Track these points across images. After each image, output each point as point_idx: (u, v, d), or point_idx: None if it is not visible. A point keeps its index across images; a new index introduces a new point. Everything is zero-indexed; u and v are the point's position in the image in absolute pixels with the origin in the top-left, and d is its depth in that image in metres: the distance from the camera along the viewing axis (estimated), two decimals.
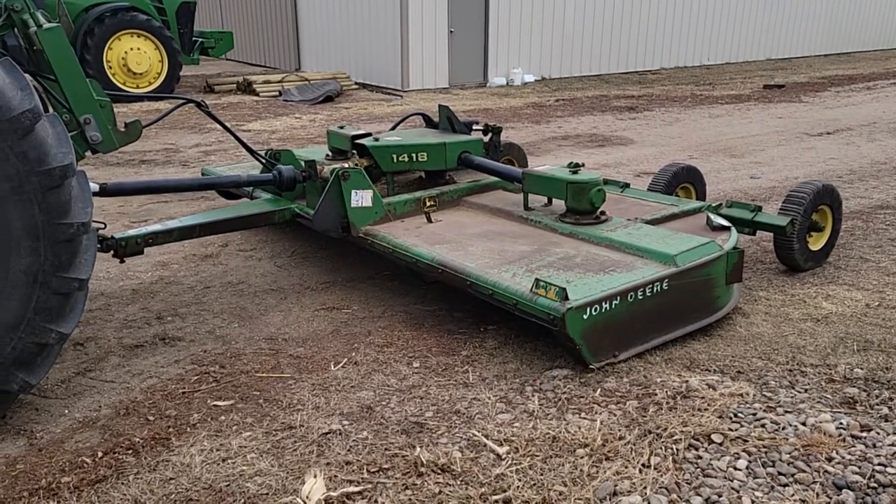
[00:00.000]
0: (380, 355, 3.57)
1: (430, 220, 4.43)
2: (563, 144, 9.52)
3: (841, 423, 2.59)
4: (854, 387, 2.96)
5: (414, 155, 4.76)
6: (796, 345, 3.46)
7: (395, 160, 4.74)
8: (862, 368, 3.14)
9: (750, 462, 2.42)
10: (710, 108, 12.50)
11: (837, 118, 11.19)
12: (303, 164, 4.54)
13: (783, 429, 2.60)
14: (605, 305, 3.18)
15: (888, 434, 2.53)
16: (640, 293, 3.30)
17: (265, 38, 20.05)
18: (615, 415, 2.83)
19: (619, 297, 3.23)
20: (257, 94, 14.16)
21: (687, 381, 3.04)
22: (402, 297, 4.34)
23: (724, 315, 3.77)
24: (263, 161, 4.71)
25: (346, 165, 4.37)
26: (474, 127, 5.82)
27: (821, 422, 2.61)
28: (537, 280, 3.22)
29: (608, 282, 3.31)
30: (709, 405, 2.82)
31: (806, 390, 2.96)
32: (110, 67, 13.07)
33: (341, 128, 6.30)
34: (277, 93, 14.12)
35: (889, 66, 19.35)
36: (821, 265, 4.62)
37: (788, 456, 2.42)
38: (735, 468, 2.38)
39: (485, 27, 15.85)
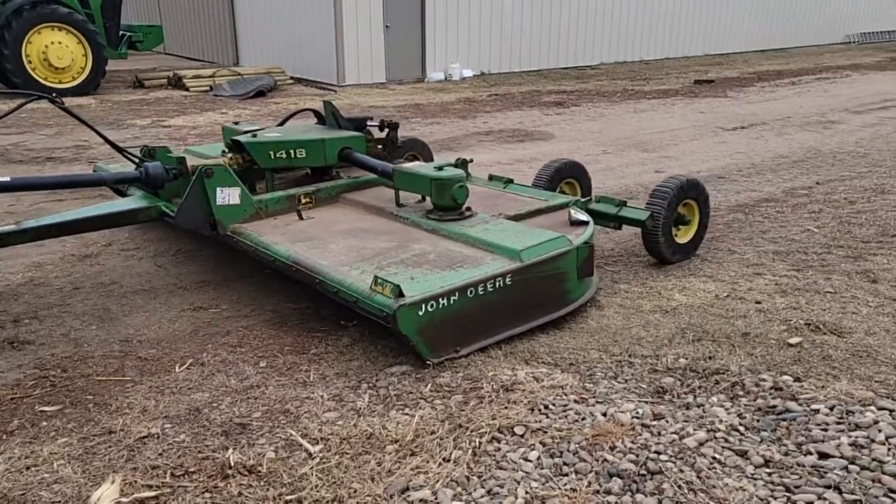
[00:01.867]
0: (230, 356, 3.55)
1: (301, 218, 4.41)
2: (485, 140, 9.56)
3: (637, 413, 2.65)
4: (671, 376, 3.03)
5: (292, 151, 4.73)
6: (637, 336, 3.53)
7: (272, 157, 4.70)
8: (686, 358, 3.21)
9: (541, 453, 2.45)
10: (636, 103, 12.67)
11: (756, 113, 11.44)
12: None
13: (583, 419, 2.65)
14: (443, 301, 3.20)
15: (676, 422, 2.59)
16: (480, 288, 3.33)
17: (202, 33, 19.73)
18: (436, 410, 2.85)
19: (457, 293, 3.25)
20: (187, 90, 13.94)
21: (515, 375, 3.07)
22: (274, 296, 4.32)
23: (579, 307, 3.83)
24: (132, 158, 4.63)
25: (211, 163, 4.32)
26: (368, 123, 5.82)
27: (620, 411, 2.66)
28: (376, 277, 3.23)
29: (450, 278, 3.34)
30: (526, 398, 2.86)
31: (626, 381, 3.02)
32: (30, 62, 12.73)
33: (236, 123, 6.23)
34: (209, 88, 13.92)
35: (820, 61, 19.84)
36: (689, 258, 4.72)
37: (576, 446, 2.46)
38: (526, 459, 2.42)
39: (421, 22, 15.82)
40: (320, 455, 2.61)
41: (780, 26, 23.44)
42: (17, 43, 12.44)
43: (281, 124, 5.73)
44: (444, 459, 2.50)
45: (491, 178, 5.24)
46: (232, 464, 2.58)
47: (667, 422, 2.59)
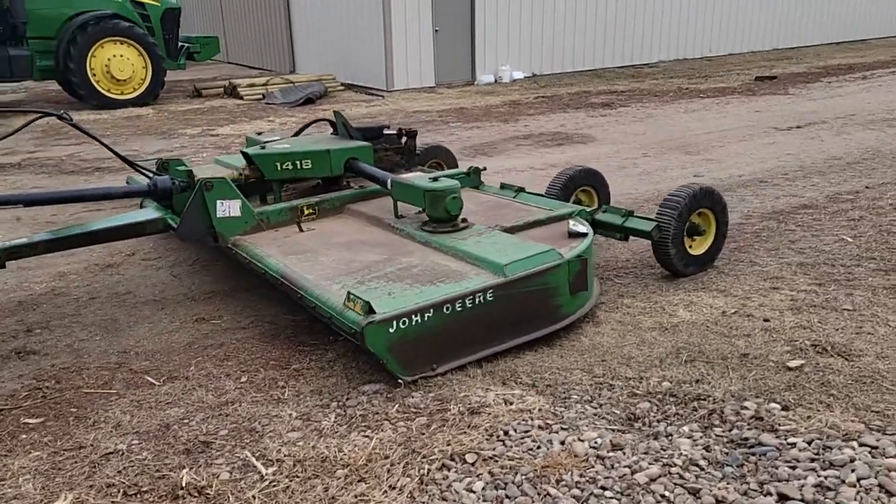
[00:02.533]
0: (215, 369, 3.57)
1: (301, 230, 4.41)
2: (523, 144, 9.41)
3: (595, 443, 2.51)
4: (649, 401, 2.87)
5: (298, 162, 4.74)
6: (627, 356, 3.37)
7: (279, 168, 4.73)
8: (671, 381, 3.04)
9: (487, 484, 2.35)
10: (689, 102, 12.26)
11: (816, 111, 10.89)
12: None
13: (538, 448, 2.53)
14: (416, 318, 3.13)
15: (633, 454, 2.44)
16: (458, 305, 3.24)
17: (262, 42, 20.20)
18: (397, 432, 2.79)
19: (432, 310, 3.17)
20: (241, 98, 14.28)
21: (486, 397, 2.97)
22: (275, 307, 4.34)
23: (575, 322, 3.69)
24: (144, 172, 4.74)
25: (212, 175, 4.37)
26: (385, 131, 5.79)
27: (580, 439, 2.52)
28: (349, 293, 3.19)
29: (428, 293, 3.26)
30: (489, 422, 2.76)
31: (601, 405, 2.88)
32: (94, 75, 13.27)
33: (259, 134, 6.32)
34: (261, 96, 14.22)
35: None
36: (705, 270, 4.49)
37: (523, 478, 2.35)
38: (470, 490, 2.32)
39: (471, 24, 15.75)
40: (271, 478, 2.58)
41: (858, 15, 22.29)
42: (82, 57, 13.00)
43: (296, 134, 5.76)
44: (389, 487, 2.43)
45: (503, 186, 5.13)
46: (184, 485, 2.58)
47: (623, 453, 2.44)
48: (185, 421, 3.07)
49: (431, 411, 2.93)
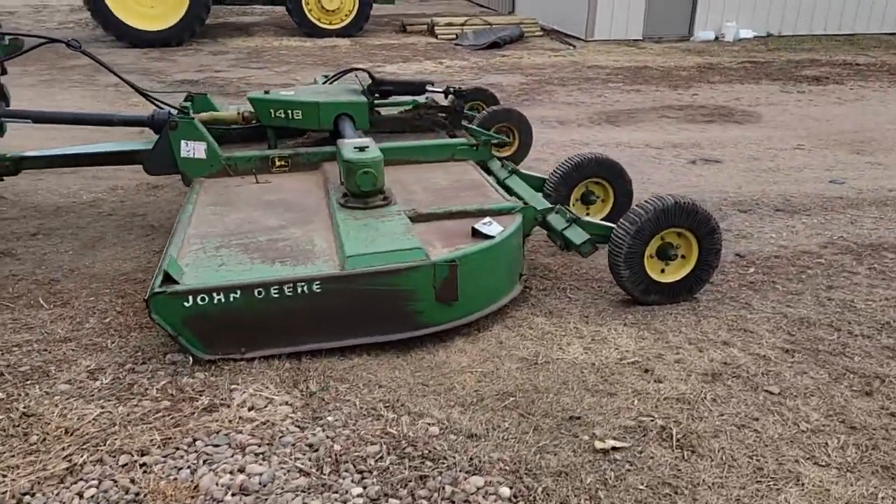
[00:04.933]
0: (99, 304, 3.72)
1: (256, 181, 4.38)
2: (667, 116, 8.36)
3: (229, 482, 2.20)
4: (379, 445, 2.45)
5: (289, 112, 4.67)
6: (450, 387, 2.91)
7: (272, 115, 4.70)
8: (441, 429, 2.57)
9: (89, 499, 2.19)
10: None
11: None
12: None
13: (179, 471, 2.28)
14: (219, 297, 2.97)
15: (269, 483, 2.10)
16: (274, 291, 3.01)
17: None
18: (130, 411, 2.71)
19: (239, 291, 2.99)
20: (437, 37, 14.38)
21: (242, 396, 2.76)
22: None
23: (441, 331, 3.28)
24: (157, 103, 4.97)
25: (179, 114, 4.44)
26: (428, 88, 5.48)
27: (211, 471, 2.23)
28: (172, 261, 3.10)
29: (254, 272, 3.07)
30: (206, 427, 2.56)
31: (344, 436, 2.52)
32: (307, 3, 14.14)
33: (326, 76, 6.29)
34: (454, 36, 14.19)
35: None
36: (678, 301, 3.68)
37: (123, 498, 2.15)
38: (80, 496, 2.19)
39: None
40: None
41: None
42: None
43: (330, 81, 5.64)
44: (66, 459, 2.38)
45: (502, 164, 4.61)
46: None
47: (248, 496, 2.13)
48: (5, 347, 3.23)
49: (183, 398, 2.80)
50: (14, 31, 4.70)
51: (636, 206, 3.58)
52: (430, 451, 2.44)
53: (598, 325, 3.45)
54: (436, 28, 14.47)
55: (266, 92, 4.85)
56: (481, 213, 3.71)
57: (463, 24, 14.47)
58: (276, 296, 3.02)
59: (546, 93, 9.45)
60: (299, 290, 3.04)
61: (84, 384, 2.92)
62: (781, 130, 7.72)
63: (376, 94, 5.46)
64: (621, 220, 3.58)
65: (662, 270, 3.68)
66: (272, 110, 4.66)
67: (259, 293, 3.01)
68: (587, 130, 7.65)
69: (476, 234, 3.44)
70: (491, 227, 3.50)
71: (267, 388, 2.85)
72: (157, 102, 4.98)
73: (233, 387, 2.86)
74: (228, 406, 2.70)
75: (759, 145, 7.12)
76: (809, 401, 2.77)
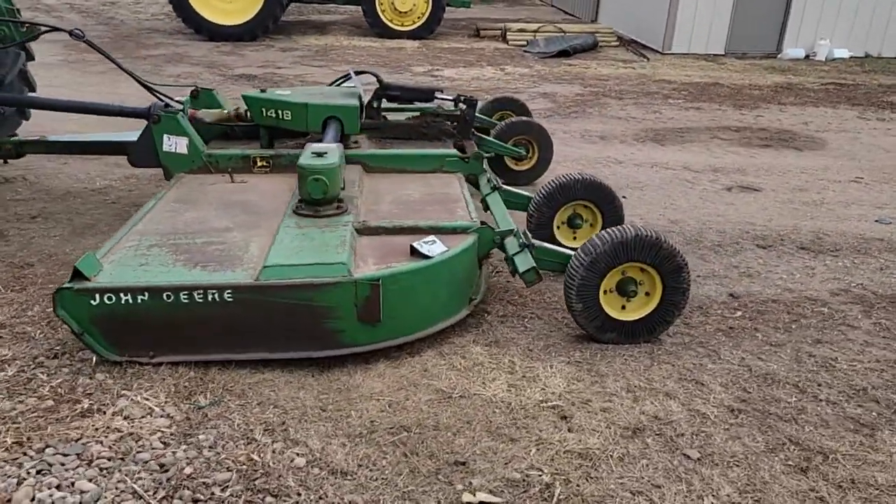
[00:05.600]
0: None
1: (232, 180, 4.33)
2: (720, 137, 7.85)
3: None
4: (230, 472, 2.31)
5: (280, 112, 4.60)
6: (348, 413, 2.74)
7: (264, 114, 4.65)
8: (306, 460, 2.39)
9: None
10: None
11: None
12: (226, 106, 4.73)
13: (9, 478, 2.20)
14: (127, 298, 2.91)
15: None
16: (184, 296, 2.92)
17: None
18: (19, 407, 2.67)
19: (147, 294, 2.91)
20: (507, 43, 14.16)
21: (128, 403, 2.68)
22: None
23: (366, 351, 3.11)
24: (160, 97, 5.01)
25: (164, 109, 4.44)
26: (438, 95, 5.32)
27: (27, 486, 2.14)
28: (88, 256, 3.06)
29: (165, 275, 3.00)
30: (76, 434, 2.49)
31: (204, 446, 2.40)
32: (381, 4, 14.21)
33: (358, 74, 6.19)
34: (525, 42, 13.93)
35: None
36: (636, 342, 3.36)
37: None
38: None
39: None
40: None
41: None
42: None
43: (332, 84, 5.54)
44: None
45: (488, 179, 4.38)
46: None
47: None
48: None
49: (71, 399, 2.74)
50: (29, 20, 4.81)
51: (595, 235, 3.29)
52: (280, 486, 2.28)
53: (537, 360, 3.19)
54: (507, 34, 14.23)
55: (262, 91, 4.80)
56: (433, 231, 3.51)
57: (535, 31, 14.17)
58: (185, 301, 2.93)
59: (599, 105, 9.08)
60: (210, 297, 2.94)
61: None
62: (843, 160, 7.09)
63: (383, 99, 5.38)
64: (578, 249, 3.30)
65: (623, 307, 3.37)
66: (264, 109, 4.61)
67: (168, 297, 2.92)
68: (627, 148, 7.27)
69: (414, 252, 3.24)
70: (433, 246, 3.29)
71: (157, 397, 2.76)
72: (158, 95, 5.02)
73: (124, 392, 2.79)
74: (104, 413, 2.62)
75: (811, 175, 6.55)
76: (729, 472, 2.43)
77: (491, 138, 5.70)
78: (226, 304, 2.95)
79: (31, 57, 5.52)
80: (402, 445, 2.56)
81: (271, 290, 2.96)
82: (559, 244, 4.10)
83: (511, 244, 3.46)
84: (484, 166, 4.58)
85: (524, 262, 3.29)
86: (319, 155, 3.66)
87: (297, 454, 2.45)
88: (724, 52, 13.54)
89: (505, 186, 4.33)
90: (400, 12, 14.20)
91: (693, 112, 8.94)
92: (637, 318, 3.35)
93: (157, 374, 2.93)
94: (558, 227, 4.23)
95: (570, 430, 2.66)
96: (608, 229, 3.28)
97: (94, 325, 2.95)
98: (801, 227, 5.21)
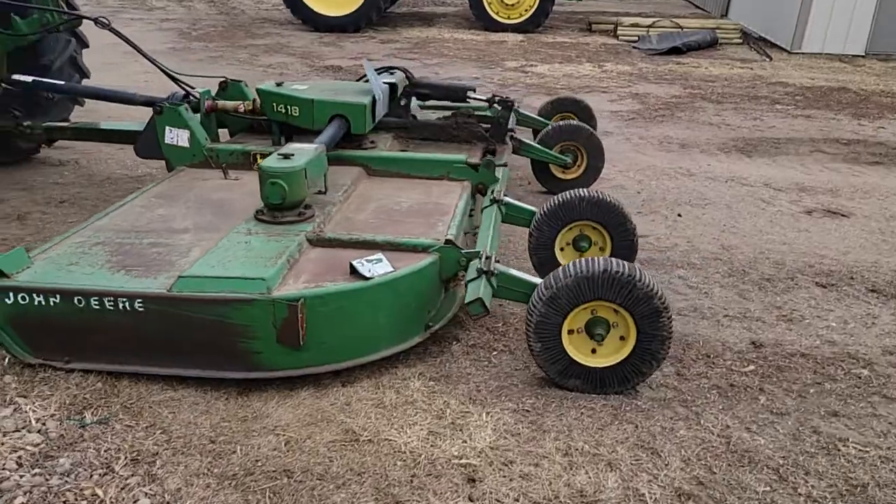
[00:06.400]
0: None
1: (225, 177, 4.17)
2: (829, 152, 6.92)
3: None
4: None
5: (289, 107, 4.41)
6: (222, 449, 2.46)
7: (274, 109, 4.48)
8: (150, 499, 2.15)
9: None
10: None
11: None
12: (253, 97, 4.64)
13: None
14: (41, 299, 2.79)
15: None
16: (94, 302, 2.77)
17: None
18: None
19: (59, 297, 2.78)
20: (618, 38, 13.40)
21: (13, 411, 2.55)
22: None
23: (284, 377, 2.84)
24: (184, 87, 4.96)
25: (167, 102, 4.34)
26: (470, 95, 4.97)
27: None
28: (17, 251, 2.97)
29: (85, 278, 2.86)
30: None
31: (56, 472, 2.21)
32: None
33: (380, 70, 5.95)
34: (637, 38, 13.12)
35: None
36: (606, 393, 2.86)
37: None
38: None
39: None
40: None
41: None
42: None
43: (360, 78, 5.25)
44: None
45: (492, 191, 3.97)
46: None
47: None
48: None
49: None
50: (56, 8, 4.87)
51: (561, 267, 2.82)
52: None
53: (478, 404, 2.78)
54: (618, 28, 13.45)
55: (278, 84, 4.62)
56: (390, 247, 3.17)
57: (649, 27, 13.29)
58: (96, 308, 2.77)
59: (692, 109, 8.29)
60: (121, 305, 2.76)
61: None
62: None
63: (413, 97, 5.07)
64: (541, 282, 2.85)
65: (593, 350, 2.88)
66: (275, 104, 4.44)
67: (79, 302, 2.77)
68: (706, 158, 6.54)
69: (354, 271, 2.91)
70: (377, 265, 2.95)
71: (47, 408, 2.62)
72: (180, 84, 4.96)
73: (18, 399, 2.66)
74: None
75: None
76: None
77: (533, 143, 5.25)
78: (136, 314, 2.76)
79: (84, 44, 5.65)
80: (273, 495, 2.26)
81: (183, 302, 2.74)
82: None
83: (472, 268, 3.05)
84: (498, 175, 4.16)
85: (473, 291, 2.87)
86: (287, 157, 3.41)
87: (146, 493, 2.21)
88: (864, 53, 12.10)
89: (509, 199, 3.89)
90: (507, 5, 13.79)
91: (800, 120, 7.96)
92: (606, 364, 2.85)
93: (66, 381, 2.80)
94: (561, 249, 3.75)
95: (470, 500, 2.25)
96: (575, 261, 2.80)
97: (10, 324, 2.85)
98: (882, 263, 4.39)
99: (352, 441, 2.54)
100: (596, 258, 2.78)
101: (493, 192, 3.92)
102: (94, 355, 2.87)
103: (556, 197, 3.69)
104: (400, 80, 4.85)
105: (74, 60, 5.49)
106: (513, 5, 13.78)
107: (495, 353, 3.20)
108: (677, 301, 3.80)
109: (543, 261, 3.72)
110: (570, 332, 2.86)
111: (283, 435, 2.56)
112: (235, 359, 2.80)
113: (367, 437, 2.56)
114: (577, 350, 2.87)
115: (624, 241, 3.66)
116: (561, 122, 5.42)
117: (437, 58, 11.16)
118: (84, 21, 4.98)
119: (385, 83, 4.66)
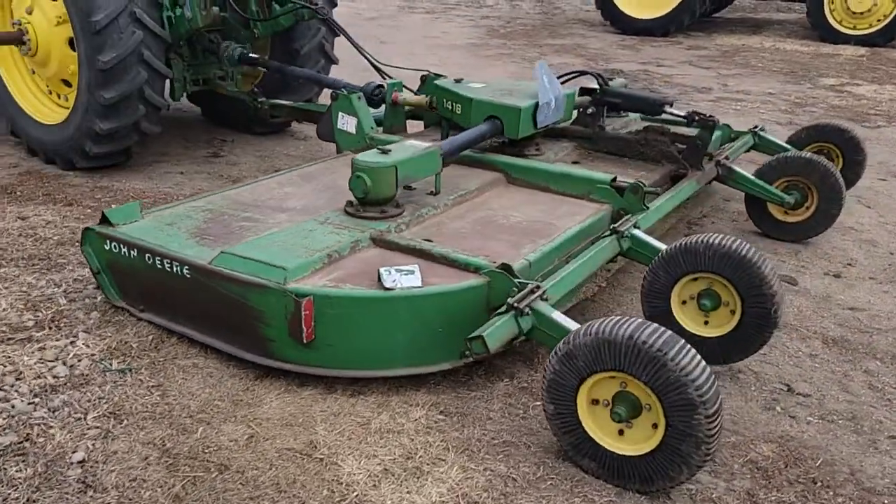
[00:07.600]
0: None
1: None
2: None
3: None
4: None
5: (453, 104, 4.31)
6: (194, 423, 2.48)
7: (444, 105, 4.42)
8: None
9: None
10: None
11: None
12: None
13: None
14: (125, 251, 3.09)
15: None
16: (158, 261, 2.98)
17: None
18: None
19: (136, 251, 3.05)
20: None
21: (71, 343, 2.86)
22: None
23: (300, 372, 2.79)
24: (384, 74, 5.11)
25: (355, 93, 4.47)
26: (667, 109, 4.40)
27: None
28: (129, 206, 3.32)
29: (162, 239, 3.09)
30: None
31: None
32: (831, 3, 12.08)
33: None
34: None
35: None
36: (624, 487, 2.27)
37: None
38: None
39: None
40: None
41: None
42: None
43: (559, 77, 4.81)
44: None
45: (620, 223, 3.39)
46: None
47: None
48: None
49: (52, 326, 3.04)
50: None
51: (587, 323, 2.29)
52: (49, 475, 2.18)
53: (462, 455, 2.40)
54: None
55: (457, 81, 4.53)
56: (445, 260, 2.89)
57: None
58: (159, 267, 2.99)
59: None
60: (175, 269, 2.94)
61: None
62: None
63: (603, 105, 4.59)
64: (573, 330, 2.35)
65: (621, 432, 2.30)
66: (444, 100, 4.38)
67: (149, 259, 3.01)
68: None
69: (381, 281, 2.71)
70: (406, 277, 2.71)
71: (93, 347, 2.90)
72: (383, 74, 5.14)
73: (82, 334, 2.98)
74: (43, 346, 2.84)
75: None
76: None
77: (747, 174, 4.40)
78: (185, 280, 2.92)
79: (335, 33, 6.13)
80: (191, 485, 2.21)
81: (216, 276, 2.82)
82: (679, 327, 2.99)
83: (512, 298, 2.62)
84: (646, 204, 3.56)
85: (487, 325, 2.47)
86: (384, 152, 3.30)
87: (89, 448, 2.31)
88: None
89: (636, 232, 3.29)
90: (853, 13, 11.83)
91: None
92: (630, 454, 2.25)
93: (131, 327, 3.08)
94: (684, 303, 3.05)
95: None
96: (608, 318, 2.25)
97: (108, 268, 3.21)
98: None
99: (304, 455, 2.37)
100: (631, 319, 2.20)
101: (619, 224, 3.32)
102: (160, 310, 3.11)
103: (684, 239, 3.01)
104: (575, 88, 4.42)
105: (322, 47, 5.98)
106: (862, 13, 11.77)
107: (539, 402, 2.74)
108: (837, 402, 2.87)
109: (659, 316, 3.06)
110: (595, 402, 2.31)
111: (253, 429, 2.50)
112: (255, 342, 2.81)
113: (320, 455, 2.37)
114: (599, 426, 2.31)
115: (757, 308, 2.85)
116: (788, 154, 4.45)
117: (739, 69, 10.01)
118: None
119: (565, 92, 4.27)
